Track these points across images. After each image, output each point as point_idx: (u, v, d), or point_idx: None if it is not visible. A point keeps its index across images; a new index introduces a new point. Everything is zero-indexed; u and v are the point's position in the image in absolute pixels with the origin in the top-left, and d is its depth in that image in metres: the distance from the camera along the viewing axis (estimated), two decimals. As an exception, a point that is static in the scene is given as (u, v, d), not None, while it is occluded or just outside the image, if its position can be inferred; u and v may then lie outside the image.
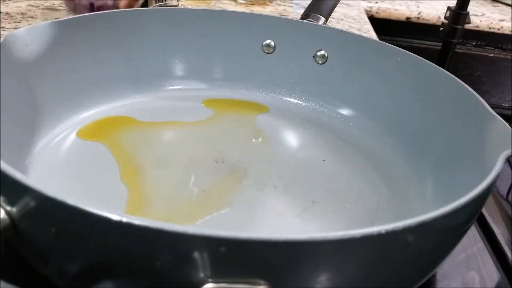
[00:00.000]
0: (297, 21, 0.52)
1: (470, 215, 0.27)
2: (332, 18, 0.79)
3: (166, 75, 0.52)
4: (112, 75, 0.48)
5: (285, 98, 0.53)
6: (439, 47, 0.77)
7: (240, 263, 0.21)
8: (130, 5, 0.61)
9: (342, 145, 0.47)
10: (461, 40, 0.74)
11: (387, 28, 0.96)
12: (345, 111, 0.51)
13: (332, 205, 0.38)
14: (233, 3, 0.83)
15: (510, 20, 0.97)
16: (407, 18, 0.95)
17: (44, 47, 0.41)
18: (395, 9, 0.96)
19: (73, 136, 0.43)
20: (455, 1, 0.72)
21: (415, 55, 0.46)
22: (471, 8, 0.82)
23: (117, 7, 0.60)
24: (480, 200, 0.26)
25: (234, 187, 0.38)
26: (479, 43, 0.99)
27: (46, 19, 0.63)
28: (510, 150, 0.30)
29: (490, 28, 0.96)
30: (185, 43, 0.52)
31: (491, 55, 0.98)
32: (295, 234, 0.34)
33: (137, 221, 0.20)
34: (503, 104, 0.99)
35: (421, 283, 0.28)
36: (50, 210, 0.22)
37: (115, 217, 0.20)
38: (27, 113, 0.40)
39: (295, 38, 0.52)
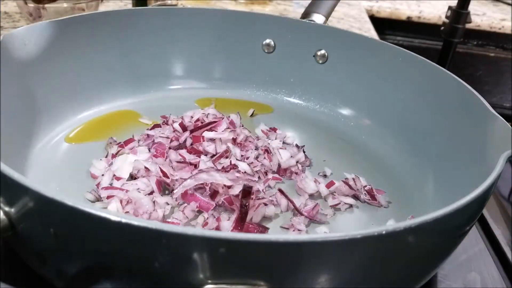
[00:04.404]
0: (297, 21, 0.51)
1: (471, 216, 0.27)
2: (333, 17, 0.79)
3: (166, 74, 0.52)
4: (111, 74, 0.48)
5: (285, 97, 0.53)
6: (440, 47, 0.77)
7: (239, 264, 0.21)
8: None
9: (342, 145, 0.46)
10: (462, 39, 0.74)
11: (388, 27, 0.96)
12: (345, 111, 0.51)
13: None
14: (233, 2, 0.83)
15: (511, 20, 0.97)
16: (408, 17, 0.95)
17: (43, 46, 0.41)
18: (396, 8, 0.96)
19: (71, 136, 0.43)
20: (456, 0, 0.72)
21: (416, 54, 0.45)
22: (472, 7, 0.82)
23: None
24: (481, 201, 0.26)
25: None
26: (480, 42, 0.98)
27: (46, 19, 0.62)
28: (511, 150, 0.29)
29: (491, 28, 0.96)
30: (185, 42, 0.51)
31: (492, 54, 0.98)
32: (295, 234, 0.34)
33: (136, 221, 0.20)
34: (504, 104, 0.99)
35: (422, 283, 0.28)
36: (48, 210, 0.22)
37: (114, 217, 0.20)
38: (26, 113, 0.40)
39: (295, 37, 0.51)
